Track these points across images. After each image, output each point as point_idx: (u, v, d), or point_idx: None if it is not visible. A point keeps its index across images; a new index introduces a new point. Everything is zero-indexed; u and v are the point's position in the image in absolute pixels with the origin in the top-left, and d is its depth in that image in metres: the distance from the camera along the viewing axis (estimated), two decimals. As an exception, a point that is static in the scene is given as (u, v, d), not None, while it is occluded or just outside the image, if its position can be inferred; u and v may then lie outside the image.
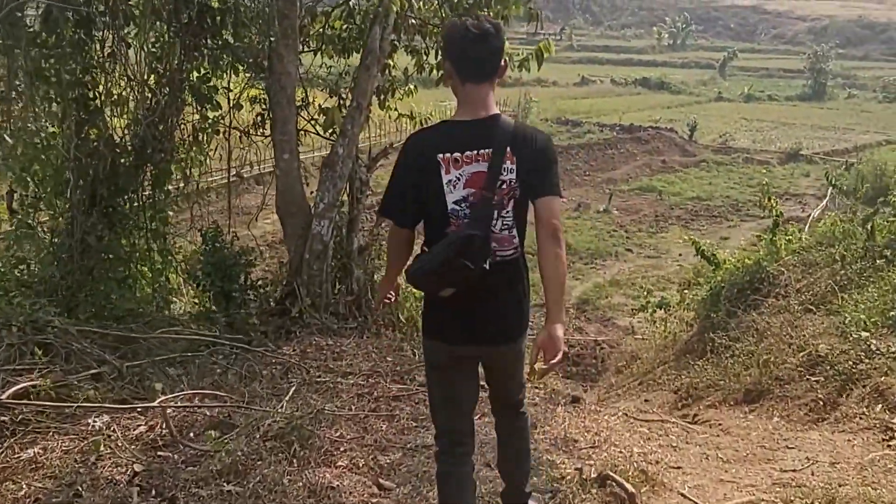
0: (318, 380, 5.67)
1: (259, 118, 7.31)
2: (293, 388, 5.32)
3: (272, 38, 6.78)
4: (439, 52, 8.70)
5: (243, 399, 5.10)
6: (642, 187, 29.03)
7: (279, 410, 4.67)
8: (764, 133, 40.14)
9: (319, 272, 6.92)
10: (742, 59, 73.23)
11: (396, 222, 3.20)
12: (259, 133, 7.37)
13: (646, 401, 8.76)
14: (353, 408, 5.19)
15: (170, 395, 4.86)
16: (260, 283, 7.09)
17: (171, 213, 8.21)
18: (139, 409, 4.68)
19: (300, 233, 6.99)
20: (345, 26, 8.19)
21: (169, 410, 4.58)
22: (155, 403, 4.59)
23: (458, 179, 2.99)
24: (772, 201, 12.62)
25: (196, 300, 7.34)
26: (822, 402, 6.07)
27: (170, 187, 8.14)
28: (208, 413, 4.82)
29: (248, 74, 7.39)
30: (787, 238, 10.99)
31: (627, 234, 22.94)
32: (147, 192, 7.88)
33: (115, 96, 7.55)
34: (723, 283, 9.99)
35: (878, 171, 26.55)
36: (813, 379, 6.44)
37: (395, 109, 8.81)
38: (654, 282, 17.90)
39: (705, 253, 12.00)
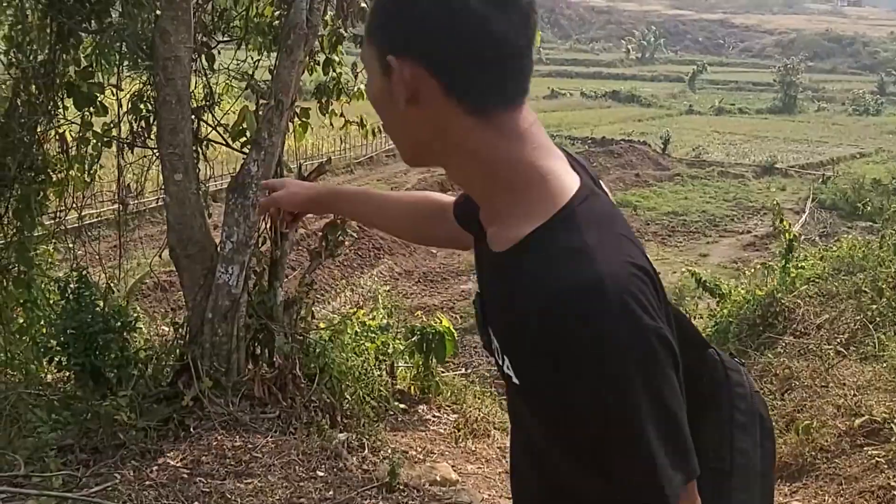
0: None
1: (143, 123, 5.20)
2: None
3: (156, 11, 4.72)
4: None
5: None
6: (617, 202, 27.45)
7: None
8: (737, 146, 40.47)
9: (227, 338, 4.94)
10: (711, 73, 75.15)
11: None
12: (141, 143, 5.26)
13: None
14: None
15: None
16: (144, 355, 4.97)
17: (43, 252, 6.14)
18: None
19: (201, 283, 4.89)
20: (277, 13, 6.11)
21: None
22: None
23: None
24: (784, 223, 11.07)
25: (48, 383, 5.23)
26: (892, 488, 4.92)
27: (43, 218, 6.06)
28: None
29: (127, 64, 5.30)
30: (799, 265, 9.60)
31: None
32: (2, 226, 5.74)
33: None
34: (730, 317, 9.24)
35: (857, 185, 27.42)
36: (873, 453, 5.32)
37: (341, 115, 6.76)
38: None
39: (707, 285, 10.68)
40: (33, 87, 5.72)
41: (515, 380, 1.25)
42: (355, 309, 7.49)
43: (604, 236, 1.21)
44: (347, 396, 5.57)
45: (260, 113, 5.13)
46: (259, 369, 5.13)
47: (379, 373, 6.19)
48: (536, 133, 1.28)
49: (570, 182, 1.28)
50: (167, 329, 6.66)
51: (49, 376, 5.75)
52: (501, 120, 1.24)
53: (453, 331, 7.05)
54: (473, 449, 6.25)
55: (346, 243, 5.55)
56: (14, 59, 5.78)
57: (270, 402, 5.06)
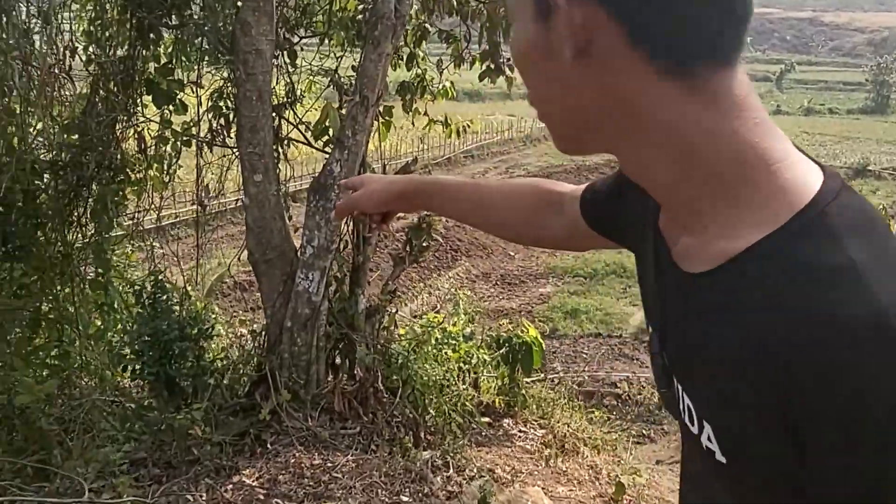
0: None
1: (223, 121, 4.96)
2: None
3: (237, 3, 4.48)
4: (485, 40, 6.40)
5: None
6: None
7: None
8: (828, 147, 39.66)
9: (306, 348, 4.65)
10: (799, 72, 72.96)
11: None
12: (221, 142, 5.03)
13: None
14: None
15: None
16: (220, 364, 4.73)
17: (121, 253, 5.98)
18: None
19: (280, 289, 4.63)
20: (360, 6, 5.84)
21: None
22: None
23: None
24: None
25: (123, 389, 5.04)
26: None
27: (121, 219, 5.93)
28: None
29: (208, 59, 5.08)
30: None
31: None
32: (80, 227, 5.59)
33: (34, 93, 5.24)
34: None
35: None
36: None
37: (425, 113, 6.47)
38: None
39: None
40: (112, 84, 5.56)
41: (721, 457, 0.88)
42: (434, 314, 7.18)
43: (875, 249, 0.81)
44: (431, 411, 5.25)
45: (343, 110, 4.84)
46: (339, 382, 4.84)
47: (464, 385, 5.85)
48: (755, 104, 0.90)
49: (808, 171, 0.88)
50: (245, 330, 6.45)
51: (124, 382, 5.57)
52: (710, 85, 0.86)
53: (541, 341, 6.66)
54: (564, 469, 5.86)
55: (431, 248, 5.22)
56: (93, 56, 5.63)
57: (351, 418, 4.76)
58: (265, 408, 4.61)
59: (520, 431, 6.50)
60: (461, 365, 6.29)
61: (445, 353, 6.14)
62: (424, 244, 5.12)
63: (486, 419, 6.17)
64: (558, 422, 6.78)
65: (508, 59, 6.81)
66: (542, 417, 6.80)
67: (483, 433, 6.07)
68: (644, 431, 11.90)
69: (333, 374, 4.98)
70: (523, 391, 6.76)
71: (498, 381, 6.75)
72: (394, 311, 5.28)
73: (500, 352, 6.38)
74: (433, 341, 5.93)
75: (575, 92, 0.90)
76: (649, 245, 1.05)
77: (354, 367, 4.91)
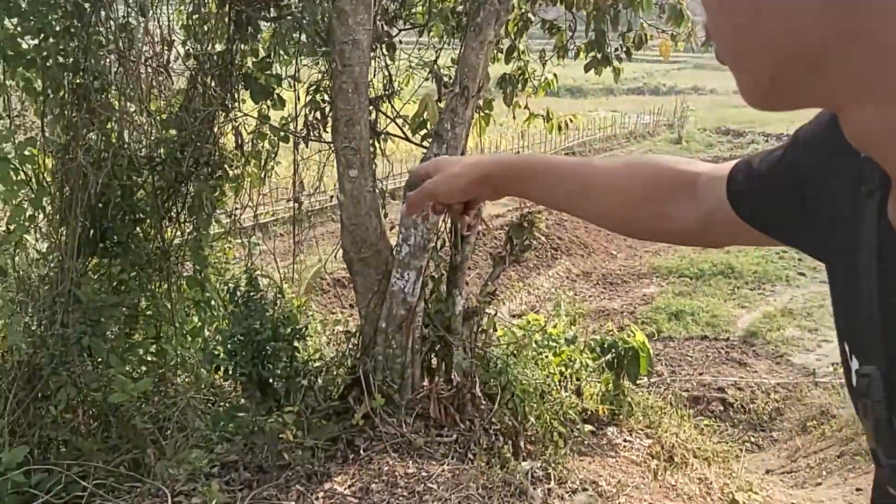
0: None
1: (318, 115, 4.81)
2: None
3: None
4: (591, 29, 6.10)
5: None
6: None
7: None
8: None
9: (401, 351, 4.46)
10: None
11: None
12: (317, 137, 4.88)
13: (857, 490, 7.14)
14: None
15: None
16: (314, 366, 4.58)
17: (218, 250, 5.93)
18: None
19: (375, 289, 4.45)
20: (461, -2, 5.76)
21: None
22: None
23: None
24: None
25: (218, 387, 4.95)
26: None
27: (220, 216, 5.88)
28: None
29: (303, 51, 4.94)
30: None
31: (800, 256, 19.69)
32: (178, 223, 5.54)
33: (131, 88, 5.21)
34: None
35: None
36: None
37: (525, 107, 6.21)
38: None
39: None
40: (210, 78, 5.49)
41: None
42: (533, 315, 6.90)
43: None
44: (531, 419, 4.98)
45: (442, 102, 4.61)
46: (435, 386, 4.63)
47: (567, 393, 5.56)
48: None
49: None
50: (342, 328, 6.32)
51: (219, 380, 5.50)
52: None
53: (648, 346, 6.31)
54: (673, 483, 5.51)
55: (533, 247, 4.95)
56: (191, 50, 5.58)
57: (447, 425, 4.54)
58: (358, 412, 4.43)
59: (625, 441, 6.16)
60: (563, 370, 6.00)
61: (546, 357, 5.87)
62: (526, 243, 4.85)
63: (589, 427, 5.87)
64: (666, 431, 6.42)
65: (615, 50, 6.49)
66: (648, 426, 6.45)
67: (586, 442, 5.76)
68: (752, 439, 11.42)
69: (429, 379, 4.77)
70: (629, 398, 6.42)
71: (601, 387, 6.43)
72: (493, 312, 5.03)
73: (606, 358, 6.05)
74: (533, 344, 5.67)
75: (792, 27, 0.61)
76: (862, 251, 0.76)
77: (451, 372, 4.68)
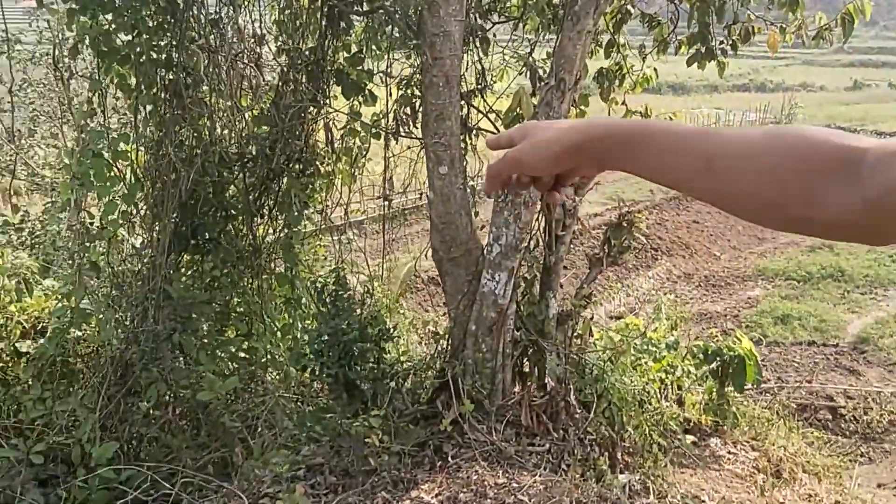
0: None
1: (409, 110, 4.67)
2: None
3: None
4: (695, 21, 5.81)
5: None
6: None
7: None
8: None
9: (491, 355, 4.27)
10: None
11: None
12: (407, 133, 4.74)
13: None
14: None
15: None
16: (401, 369, 4.44)
17: (309, 248, 5.87)
18: None
19: (465, 290, 4.28)
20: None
21: None
22: None
23: None
24: None
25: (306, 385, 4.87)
26: None
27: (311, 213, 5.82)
28: None
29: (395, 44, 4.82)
30: None
31: (915, 257, 18.88)
32: (269, 220, 5.50)
33: (222, 84, 5.18)
34: None
35: None
36: None
37: (623, 103, 5.95)
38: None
39: None
40: (301, 74, 5.42)
41: None
42: (632, 317, 6.61)
43: None
44: (629, 429, 4.72)
45: (537, 95, 4.40)
46: (527, 393, 4.42)
47: (668, 403, 5.27)
48: None
49: None
50: (432, 327, 6.17)
51: (307, 379, 5.42)
52: None
53: (756, 354, 5.94)
54: (780, 499, 5.16)
55: (633, 248, 4.69)
56: (283, 46, 5.52)
57: (539, 433, 4.33)
58: (447, 417, 4.26)
59: (729, 453, 5.82)
60: (663, 376, 5.71)
61: (646, 363, 5.59)
62: (625, 244, 4.59)
63: (691, 438, 5.56)
64: (773, 444, 6.04)
65: (720, 43, 6.14)
66: (754, 438, 6.08)
67: (687, 454, 5.46)
68: (863, 450, 10.85)
69: (521, 384, 4.57)
70: (733, 408, 6.07)
71: (704, 395, 6.10)
72: (589, 316, 4.78)
73: (710, 367, 5.72)
74: (632, 350, 5.40)
75: None
76: None
77: (544, 378, 4.46)
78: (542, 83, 4.27)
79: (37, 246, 8.18)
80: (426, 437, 4.28)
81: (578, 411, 4.46)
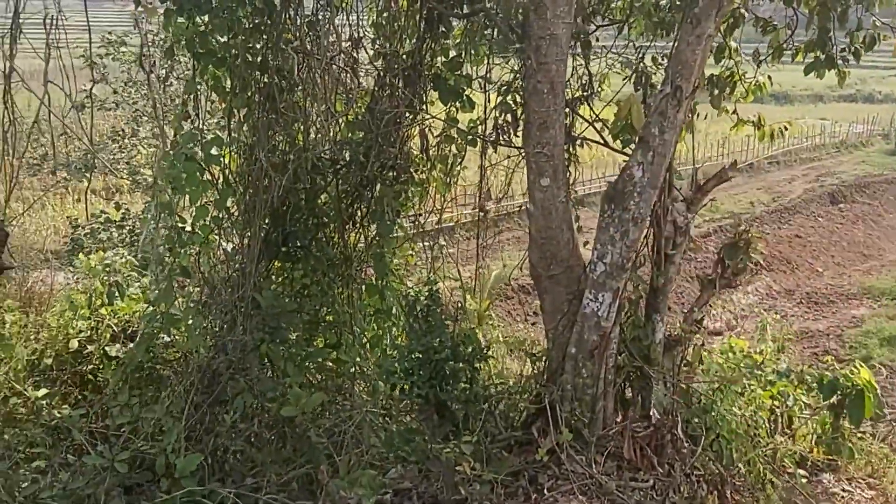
0: None
1: (509, 118, 4.41)
2: None
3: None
4: (814, 27, 5.55)
5: None
6: None
7: None
8: None
9: (592, 381, 3.99)
10: None
11: None
12: (507, 142, 4.49)
13: None
14: None
15: None
16: (495, 391, 4.18)
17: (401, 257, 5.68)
18: None
19: (565, 310, 4.00)
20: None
21: None
22: None
23: None
24: None
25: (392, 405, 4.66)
26: None
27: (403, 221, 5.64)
28: None
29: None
30: None
31: None
32: (361, 228, 5.32)
33: (316, 88, 5.02)
34: None
35: None
36: None
37: (734, 112, 5.55)
38: None
39: None
40: (398, 79, 5.22)
41: None
42: (735, 338, 6.18)
43: None
44: (740, 465, 4.34)
45: (650, 104, 4.08)
46: (630, 423, 4.10)
47: (781, 438, 4.86)
48: None
49: None
50: (526, 348, 5.88)
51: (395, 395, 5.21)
52: None
53: (875, 385, 5.46)
54: (901, 546, 4.70)
55: (750, 269, 4.32)
56: (381, 49, 5.33)
57: (643, 467, 4.01)
58: (543, 446, 3.99)
59: (843, 490, 5.37)
60: (773, 405, 5.29)
61: (755, 390, 5.19)
62: (741, 265, 4.22)
63: (802, 473, 5.14)
64: (892, 482, 5.55)
65: (842, 50, 5.69)
66: (870, 475, 5.60)
67: (797, 490, 5.04)
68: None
69: (623, 414, 4.26)
70: (849, 441, 5.59)
71: (816, 426, 5.64)
72: (699, 343, 4.43)
73: (829, 401, 5.26)
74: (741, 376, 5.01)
75: None
76: None
77: (649, 407, 4.14)
78: (659, 91, 3.94)
79: (136, 244, 8.25)
80: (520, 466, 4.01)
81: (686, 445, 4.11)
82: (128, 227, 10.61)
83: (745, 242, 4.22)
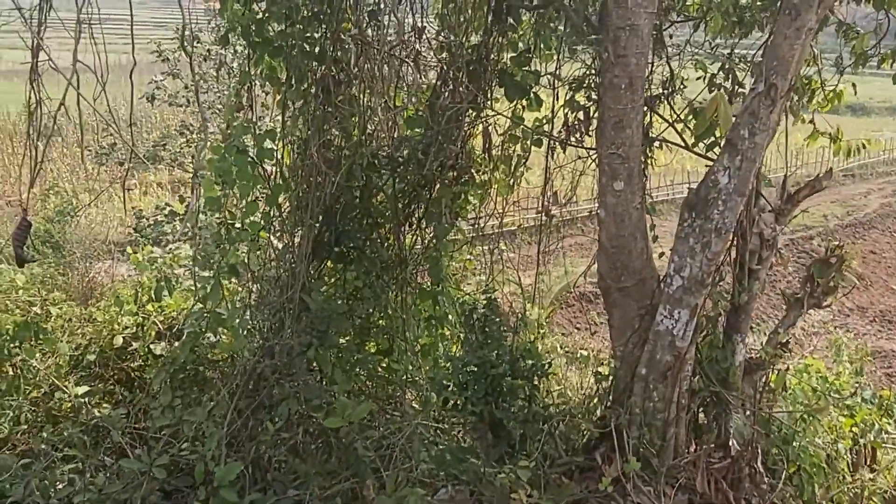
0: None
1: (580, 117, 4.06)
2: None
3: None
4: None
5: None
6: None
7: None
8: None
9: (663, 405, 3.62)
10: None
11: None
12: (577, 142, 4.14)
13: None
14: None
15: None
16: (556, 410, 3.83)
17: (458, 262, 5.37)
18: None
19: (635, 326, 3.63)
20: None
21: None
22: None
23: None
24: None
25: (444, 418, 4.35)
26: None
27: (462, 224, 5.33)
28: None
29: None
30: None
31: None
32: (418, 230, 5.03)
33: (375, 80, 4.74)
34: None
35: None
36: None
37: (810, 121, 5.12)
38: None
39: None
40: (462, 73, 4.89)
41: None
42: (812, 358, 5.72)
43: None
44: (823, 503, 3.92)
45: (739, 103, 3.68)
46: (704, 453, 3.70)
47: (870, 473, 4.41)
48: None
49: None
50: (591, 364, 5.49)
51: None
52: None
53: (971, 418, 4.97)
54: None
55: (841, 289, 3.89)
56: (444, 42, 5.01)
57: (718, 502, 3.60)
58: (607, 474, 3.61)
59: (933, 534, 4.88)
60: (855, 434, 4.84)
61: (835, 417, 4.74)
62: (832, 284, 3.80)
63: (887, 510, 4.67)
64: None
65: (935, 58, 5.19)
66: (961, 516, 5.10)
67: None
68: None
69: (696, 442, 3.86)
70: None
71: (899, 458, 5.16)
72: (784, 368, 4.01)
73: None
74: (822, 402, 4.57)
75: None
76: None
77: (726, 436, 3.74)
78: (751, 90, 3.52)
79: (197, 237, 8.09)
80: (581, 495, 3.65)
81: (766, 479, 3.70)
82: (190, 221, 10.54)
83: (839, 259, 3.80)
